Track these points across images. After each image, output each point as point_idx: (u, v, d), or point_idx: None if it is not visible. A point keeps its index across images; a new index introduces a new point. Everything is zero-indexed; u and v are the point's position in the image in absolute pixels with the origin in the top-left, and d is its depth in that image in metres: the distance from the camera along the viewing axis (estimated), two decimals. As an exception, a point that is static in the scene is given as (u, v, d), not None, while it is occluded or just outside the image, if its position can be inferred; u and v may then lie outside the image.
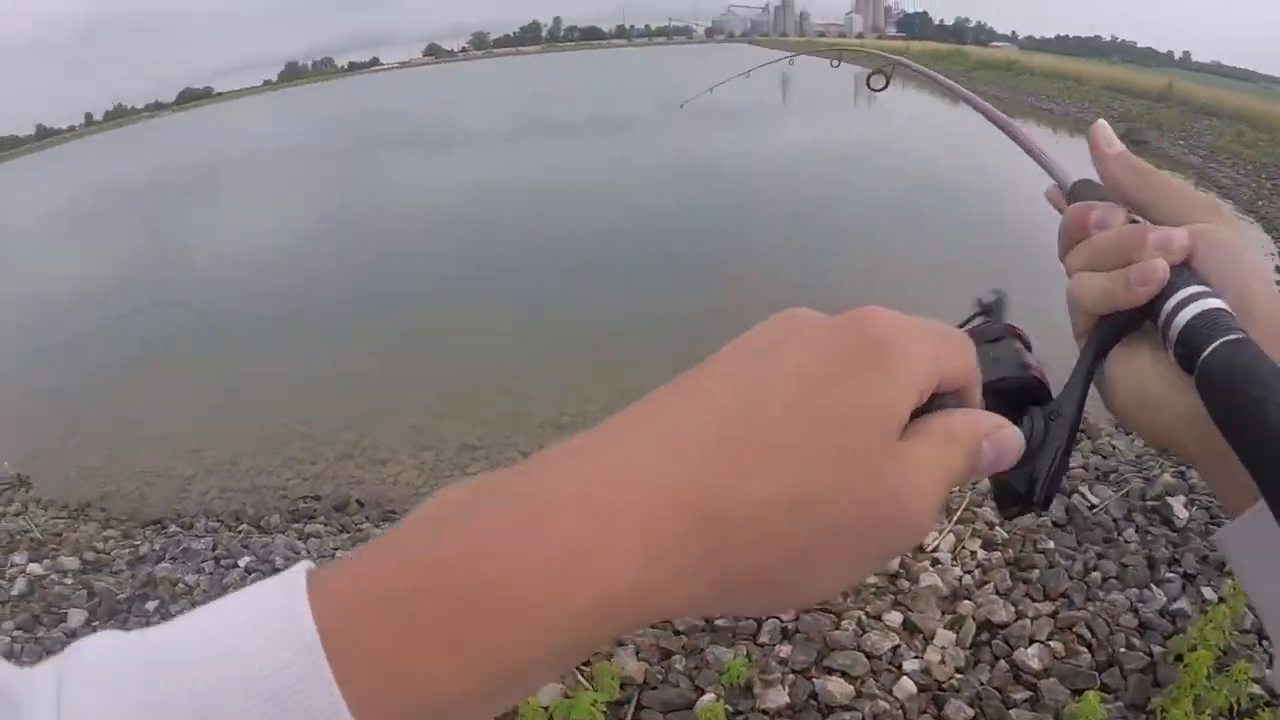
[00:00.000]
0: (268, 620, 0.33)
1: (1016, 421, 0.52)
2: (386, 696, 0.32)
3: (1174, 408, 0.57)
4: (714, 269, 10.83)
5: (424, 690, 0.33)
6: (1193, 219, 0.60)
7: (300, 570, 0.35)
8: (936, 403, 0.45)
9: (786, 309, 0.44)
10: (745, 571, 0.37)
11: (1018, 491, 0.57)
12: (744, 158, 21.54)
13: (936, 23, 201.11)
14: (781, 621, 3.83)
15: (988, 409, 0.49)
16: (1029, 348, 0.62)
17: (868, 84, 1.30)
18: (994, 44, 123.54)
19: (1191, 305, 0.55)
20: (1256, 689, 3.48)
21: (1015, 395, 0.59)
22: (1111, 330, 0.61)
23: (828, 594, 0.41)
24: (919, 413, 0.43)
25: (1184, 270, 0.58)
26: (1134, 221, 0.62)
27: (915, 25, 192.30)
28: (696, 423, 0.39)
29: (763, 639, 3.78)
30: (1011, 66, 43.30)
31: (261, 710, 0.31)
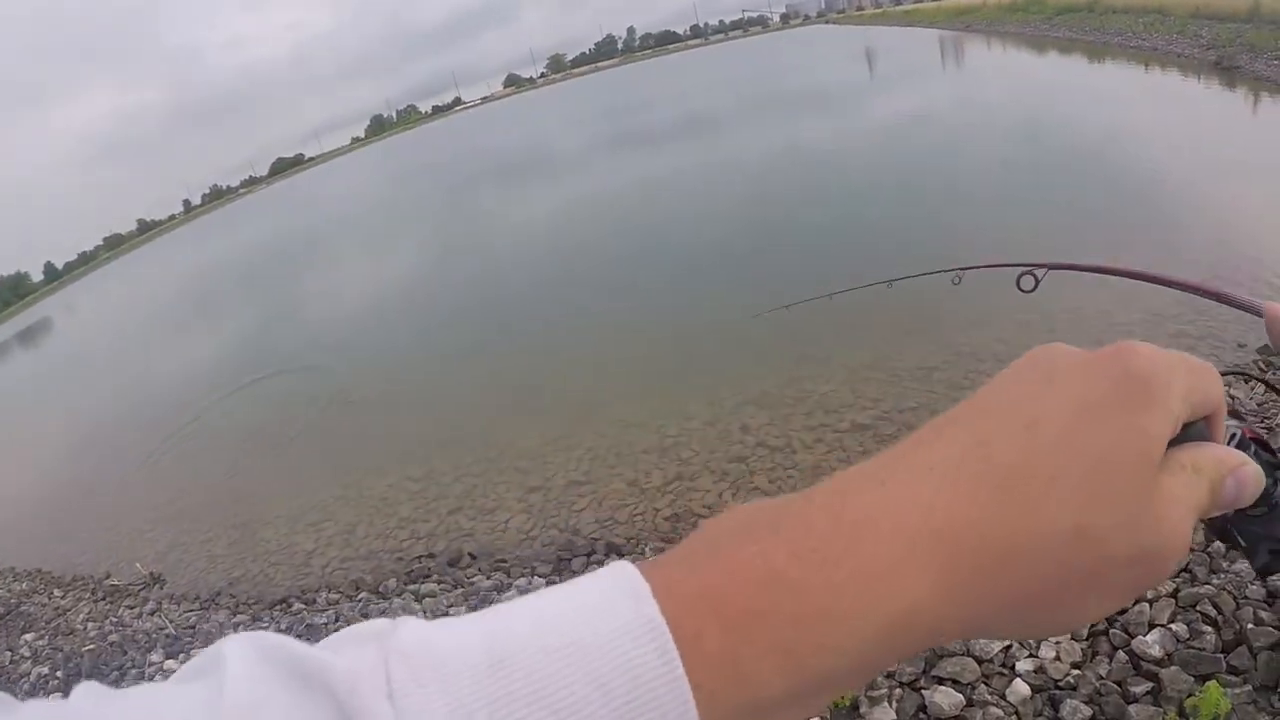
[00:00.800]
0: (622, 624, 0.37)
1: (1275, 479, 0.56)
2: (727, 697, 0.37)
3: None
4: (810, 266, 10.68)
5: (758, 690, 0.37)
6: None
7: (635, 573, 0.40)
8: (1192, 433, 0.47)
9: (1046, 345, 0.48)
10: (1025, 597, 0.42)
11: (1274, 543, 0.58)
12: (838, 143, 21.20)
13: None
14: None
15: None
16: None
17: (1018, 286, 1.27)
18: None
19: None
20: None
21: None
22: None
23: (1095, 618, 0.44)
24: (1175, 443, 0.45)
25: None
26: None
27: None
28: (976, 458, 0.42)
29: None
30: (1094, 7, 41.62)
31: (616, 710, 0.35)
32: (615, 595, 0.38)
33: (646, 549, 5.33)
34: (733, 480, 6.10)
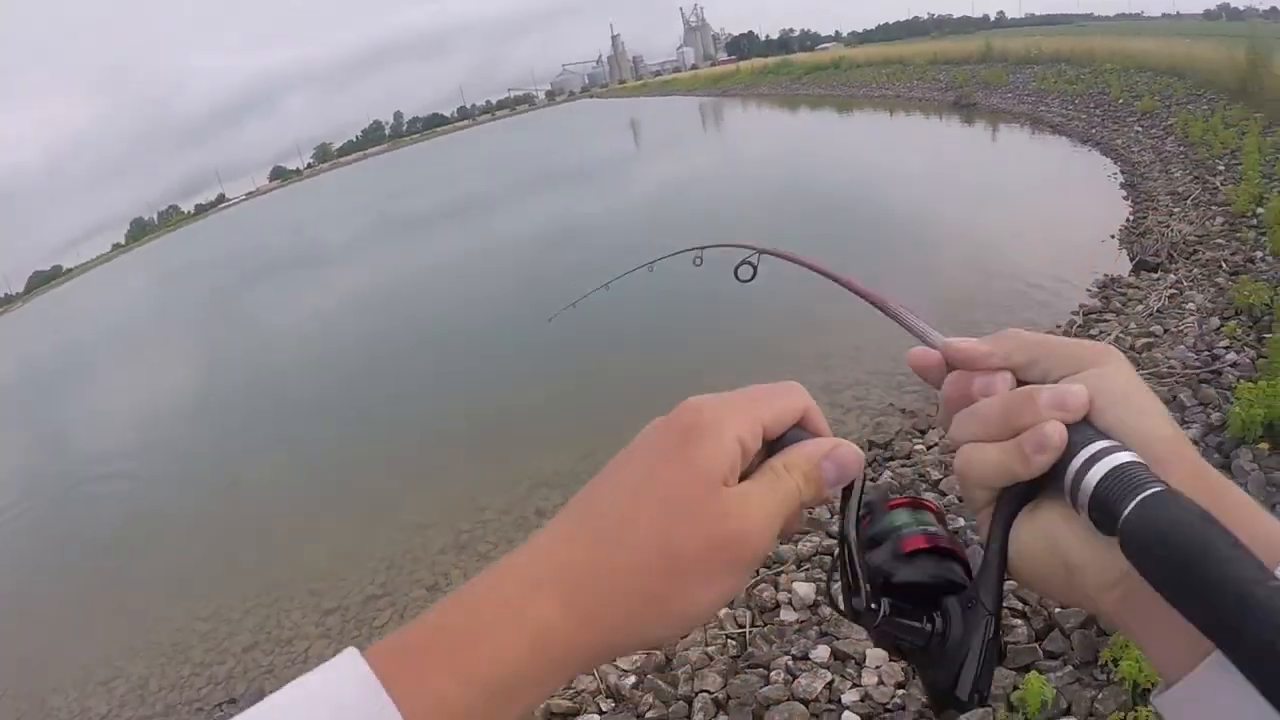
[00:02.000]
0: (340, 675, 0.47)
1: (931, 617, 0.59)
2: (424, 706, 0.47)
3: (1092, 570, 0.53)
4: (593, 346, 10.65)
5: (448, 701, 0.47)
6: (1081, 367, 0.58)
7: (352, 649, 0.49)
8: (789, 438, 0.58)
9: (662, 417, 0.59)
10: (638, 606, 0.52)
11: (948, 691, 0.57)
12: (606, 212, 21.69)
13: (763, 39, 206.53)
14: (711, 693, 3.65)
15: (903, 604, 0.59)
16: (933, 521, 0.63)
17: (735, 276, 1.28)
18: (820, 47, 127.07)
19: (1099, 464, 0.51)
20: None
21: (919, 588, 0.60)
22: (1014, 502, 0.57)
23: (712, 604, 0.54)
24: (774, 451, 0.58)
25: (1082, 427, 0.54)
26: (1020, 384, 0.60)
27: (744, 46, 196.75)
28: (583, 515, 0.55)
29: (696, 718, 3.58)
30: (839, 64, 44.62)
31: None
32: (340, 663, 0.48)
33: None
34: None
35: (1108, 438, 0.53)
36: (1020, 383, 0.59)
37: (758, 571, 4.35)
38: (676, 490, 0.54)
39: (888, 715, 3.40)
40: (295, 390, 12.84)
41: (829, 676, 3.58)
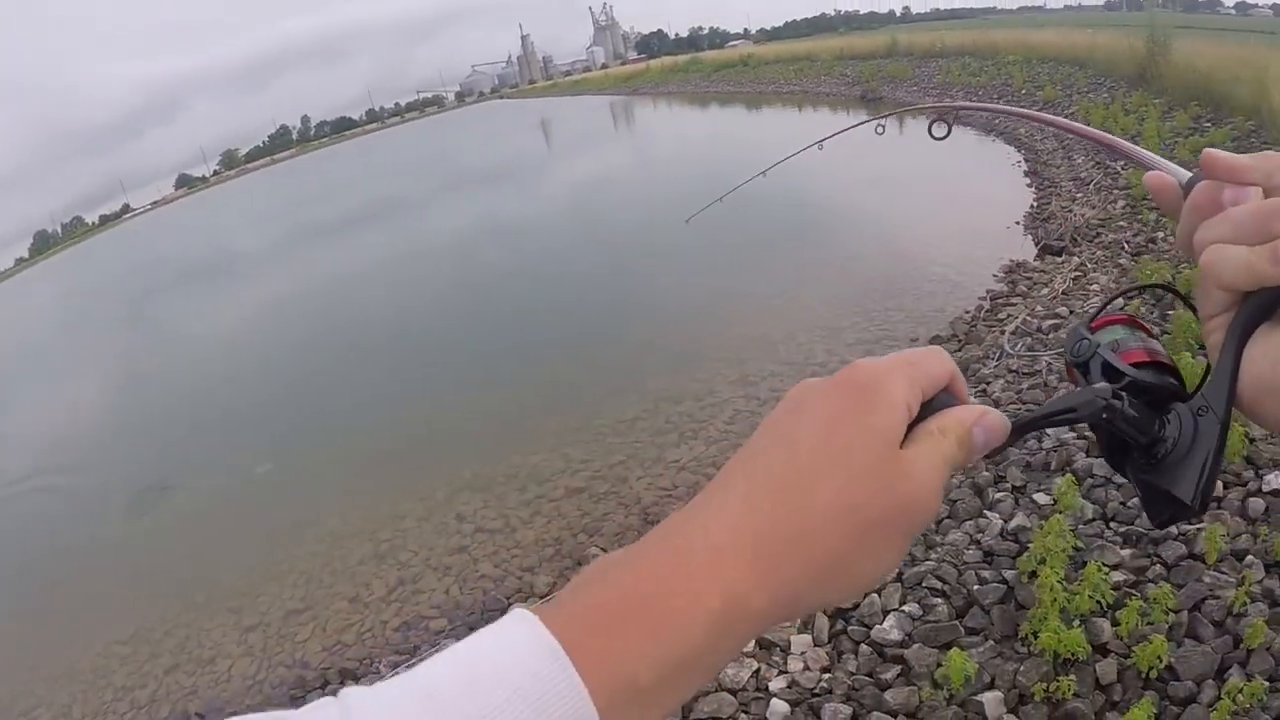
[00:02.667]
0: (519, 643, 0.46)
1: (1162, 421, 0.58)
2: (606, 683, 0.45)
3: None
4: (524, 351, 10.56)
5: (629, 677, 0.46)
6: None
7: (526, 611, 0.49)
8: (938, 403, 0.57)
9: (800, 383, 0.59)
10: (823, 566, 0.51)
11: (1172, 496, 0.56)
12: (528, 210, 21.58)
13: (673, 37, 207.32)
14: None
15: (1132, 414, 0.58)
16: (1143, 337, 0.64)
17: (930, 133, 1.36)
18: (729, 44, 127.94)
19: None
20: (1119, 577, 3.48)
21: (1147, 391, 0.60)
22: (1256, 310, 0.56)
23: (890, 565, 0.54)
24: (925, 415, 0.56)
25: None
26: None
27: (653, 45, 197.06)
28: (756, 480, 0.53)
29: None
30: (748, 61, 45.00)
31: (534, 707, 0.44)
32: (514, 628, 0.47)
33: (380, 665, 5.00)
34: (457, 574, 5.77)
35: None
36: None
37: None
38: (859, 452, 0.53)
39: (815, 700, 3.40)
40: (209, 403, 12.43)
41: (755, 665, 3.57)
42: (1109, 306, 0.68)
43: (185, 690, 5.57)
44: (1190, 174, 0.64)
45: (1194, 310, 0.62)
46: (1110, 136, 0.81)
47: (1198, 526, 3.63)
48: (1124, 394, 0.59)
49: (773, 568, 0.50)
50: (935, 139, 1.36)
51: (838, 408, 0.55)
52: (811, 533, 0.51)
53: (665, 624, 0.48)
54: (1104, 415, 0.58)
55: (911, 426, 0.56)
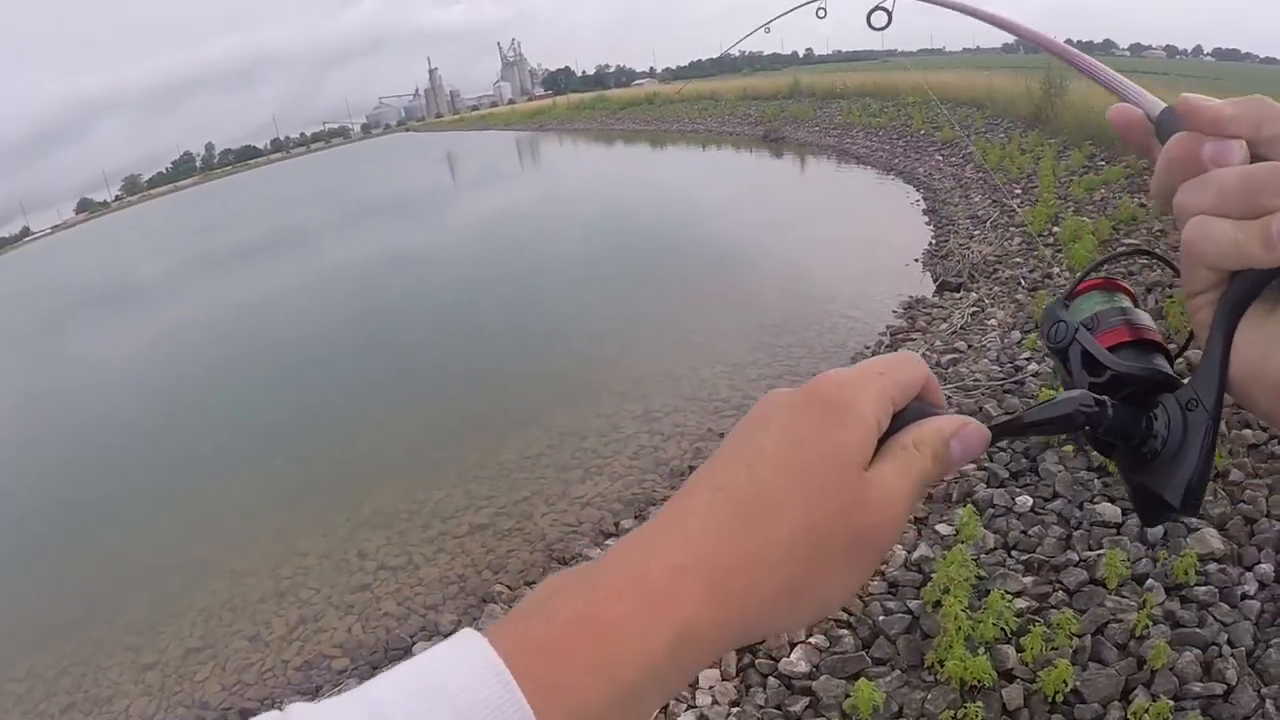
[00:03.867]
0: (466, 667, 0.43)
1: (1149, 418, 0.55)
2: (559, 709, 0.43)
3: None
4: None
5: (583, 703, 0.44)
6: None
7: (475, 633, 0.45)
8: (911, 412, 0.54)
9: (768, 394, 0.55)
10: (783, 591, 0.49)
11: (1161, 498, 0.54)
12: (432, 242, 21.49)
13: (580, 75, 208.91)
14: None
15: (1119, 402, 0.56)
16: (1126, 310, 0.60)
17: (868, 23, 1.33)
18: (635, 83, 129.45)
19: None
20: (1021, 604, 3.52)
21: (1130, 384, 0.57)
22: (1245, 292, 0.51)
23: (847, 594, 0.52)
24: (898, 426, 0.53)
25: None
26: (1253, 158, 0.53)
27: (560, 82, 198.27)
28: (716, 500, 0.50)
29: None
30: (653, 100, 45.50)
31: None
32: (463, 649, 0.44)
33: (283, 703, 4.77)
34: (359, 612, 5.63)
35: None
36: (1257, 158, 0.52)
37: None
38: (822, 473, 0.50)
39: (722, 734, 3.34)
40: (101, 434, 12.05)
41: (663, 702, 3.50)
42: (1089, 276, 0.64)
43: (84, 733, 5.36)
44: (1163, 106, 0.59)
45: (1176, 272, 0.57)
46: (1067, 48, 0.77)
47: (1097, 553, 3.71)
48: (1105, 399, 0.56)
49: (729, 595, 0.48)
50: (875, 29, 1.36)
51: (803, 425, 0.52)
52: (770, 559, 0.49)
53: (617, 651, 0.45)
54: (1085, 426, 0.56)
55: (885, 439, 0.53)
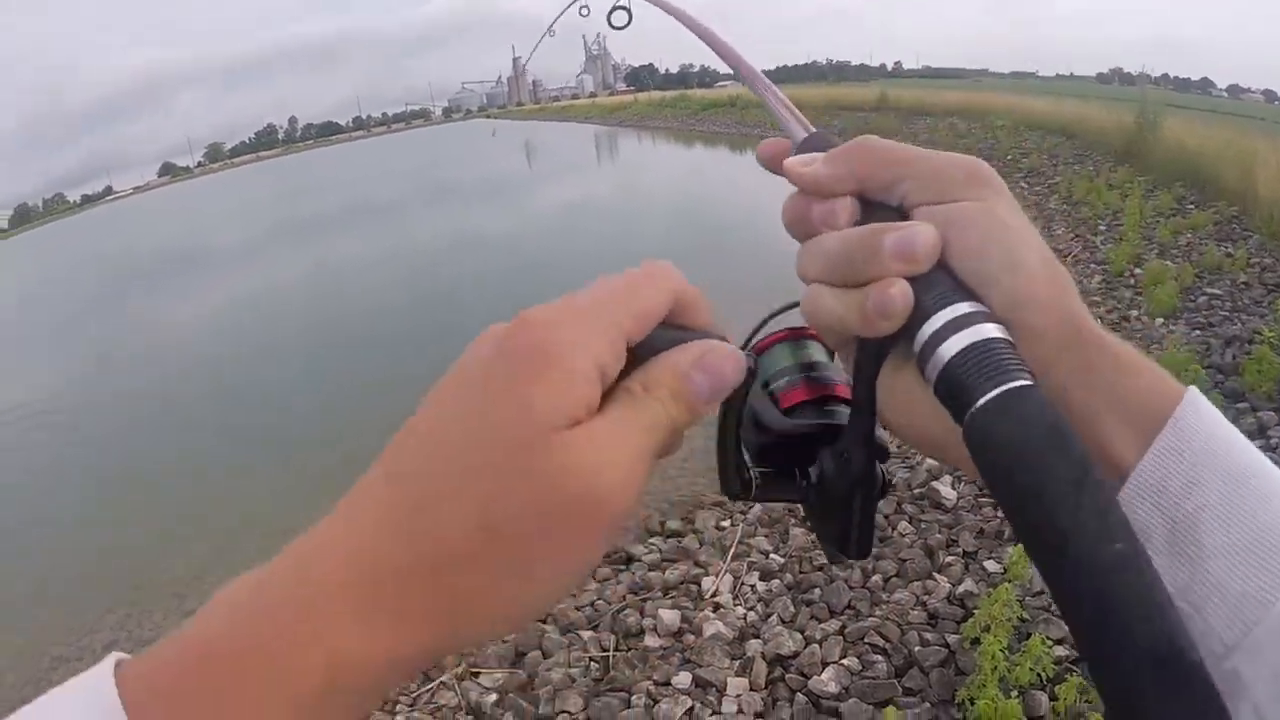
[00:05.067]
0: (76, 706, 0.37)
1: (804, 473, 0.55)
2: None
3: (953, 450, 0.48)
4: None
5: None
6: (946, 195, 0.49)
7: (114, 660, 0.39)
8: (661, 340, 0.44)
9: (476, 339, 0.44)
10: (463, 608, 0.40)
11: (835, 545, 0.55)
12: (508, 225, 21.62)
13: (663, 72, 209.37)
14: (571, 714, 3.56)
15: (784, 454, 0.55)
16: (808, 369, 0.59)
17: (609, 22, 1.30)
18: (718, 84, 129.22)
19: (954, 337, 0.44)
20: (1061, 651, 3.46)
21: (797, 444, 0.55)
22: (871, 358, 0.50)
23: (550, 596, 0.42)
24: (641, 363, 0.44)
25: (938, 278, 0.47)
26: (870, 207, 0.52)
27: (643, 78, 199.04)
28: (382, 491, 0.41)
29: (551, 738, 3.47)
30: (735, 102, 45.26)
31: None
32: (84, 682, 0.38)
33: None
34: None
35: (968, 294, 0.46)
36: (871, 205, 0.51)
37: (624, 597, 4.29)
38: (505, 444, 0.40)
39: (747, 747, 3.34)
40: (170, 389, 12.38)
41: (690, 703, 3.52)
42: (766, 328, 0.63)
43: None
44: (805, 135, 0.59)
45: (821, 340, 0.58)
46: (750, 68, 0.74)
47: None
48: (757, 472, 0.55)
49: (387, 612, 0.39)
50: (615, 28, 1.35)
51: (492, 382, 0.41)
52: (442, 564, 0.39)
53: (251, 692, 0.37)
54: (739, 498, 0.56)
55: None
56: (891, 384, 0.51)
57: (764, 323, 0.63)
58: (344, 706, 0.39)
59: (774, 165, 0.58)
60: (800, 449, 0.55)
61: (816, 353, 0.60)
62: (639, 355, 0.44)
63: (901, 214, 0.50)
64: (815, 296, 0.51)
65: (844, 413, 0.55)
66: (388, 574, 0.39)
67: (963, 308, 0.45)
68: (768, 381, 0.59)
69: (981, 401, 0.41)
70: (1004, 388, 0.41)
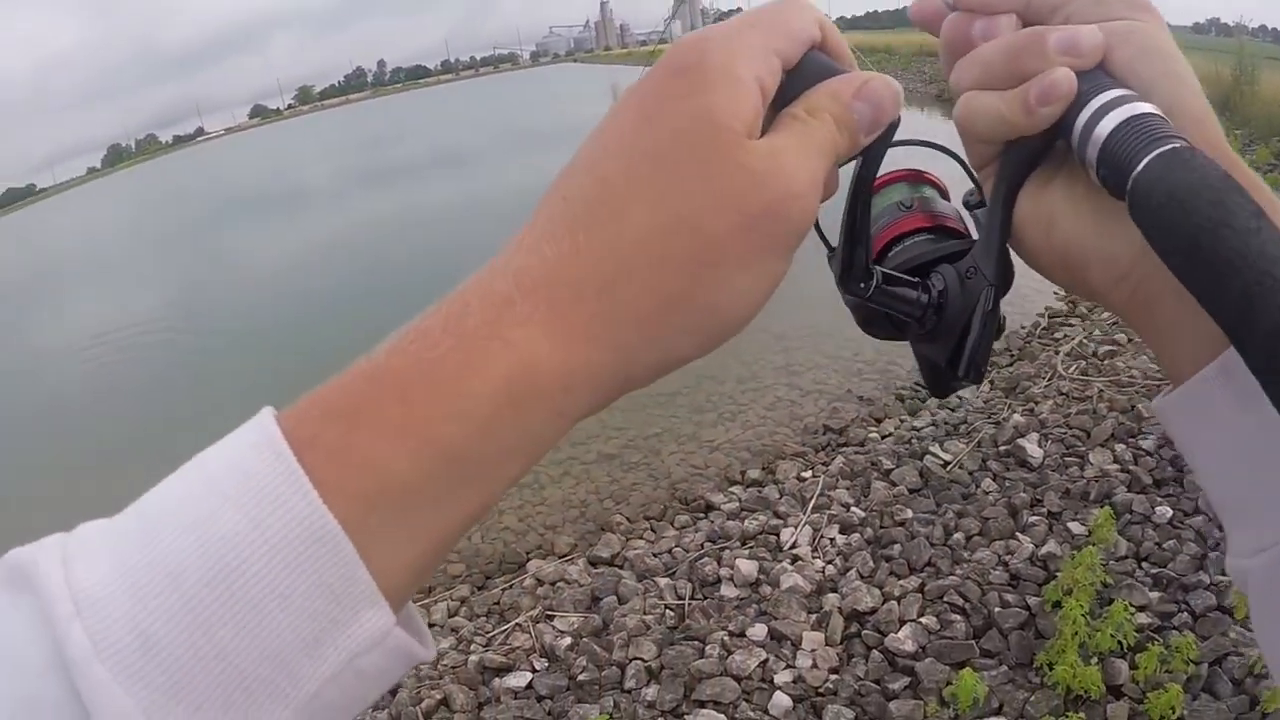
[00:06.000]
0: (243, 445, 0.37)
1: (925, 286, 0.54)
2: (349, 483, 0.36)
3: (1096, 265, 0.48)
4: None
5: (382, 473, 0.36)
6: (1109, 15, 0.48)
7: (267, 410, 0.39)
8: (809, 70, 0.45)
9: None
10: (654, 308, 0.40)
11: (944, 368, 0.54)
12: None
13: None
14: (644, 661, 3.59)
15: (885, 299, 0.53)
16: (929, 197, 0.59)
17: None
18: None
19: (1113, 113, 0.44)
20: (1144, 619, 3.40)
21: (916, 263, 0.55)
22: (1021, 160, 0.50)
23: (753, 299, 0.42)
24: (795, 93, 0.44)
25: (1098, 74, 0.46)
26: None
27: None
28: (557, 208, 0.41)
29: (628, 684, 3.51)
30: (825, 48, 44.44)
31: (249, 514, 0.34)
32: (241, 429, 0.38)
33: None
34: (481, 522, 5.80)
35: (1126, 86, 0.45)
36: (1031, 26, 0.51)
37: (701, 545, 4.30)
38: (690, 149, 0.40)
39: (819, 699, 3.35)
40: (261, 326, 12.73)
41: (764, 655, 3.53)
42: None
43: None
44: None
45: (960, 161, 0.57)
46: None
47: (1229, 579, 3.55)
48: (872, 284, 0.54)
49: (577, 320, 0.39)
50: None
51: (655, 99, 0.42)
52: (627, 269, 0.39)
53: (429, 406, 0.37)
54: (854, 294, 0.55)
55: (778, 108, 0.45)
56: (1033, 203, 0.51)
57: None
58: (530, 412, 0.39)
59: (925, 20, 0.57)
60: (919, 269, 0.55)
61: (930, 192, 0.60)
62: (790, 83, 0.45)
63: None
64: (971, 98, 0.50)
65: (958, 245, 0.56)
66: (570, 278, 0.39)
67: (1122, 90, 0.45)
68: (892, 214, 0.59)
69: (1147, 159, 0.40)
70: (1170, 146, 0.40)
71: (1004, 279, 0.52)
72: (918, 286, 0.54)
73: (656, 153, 0.40)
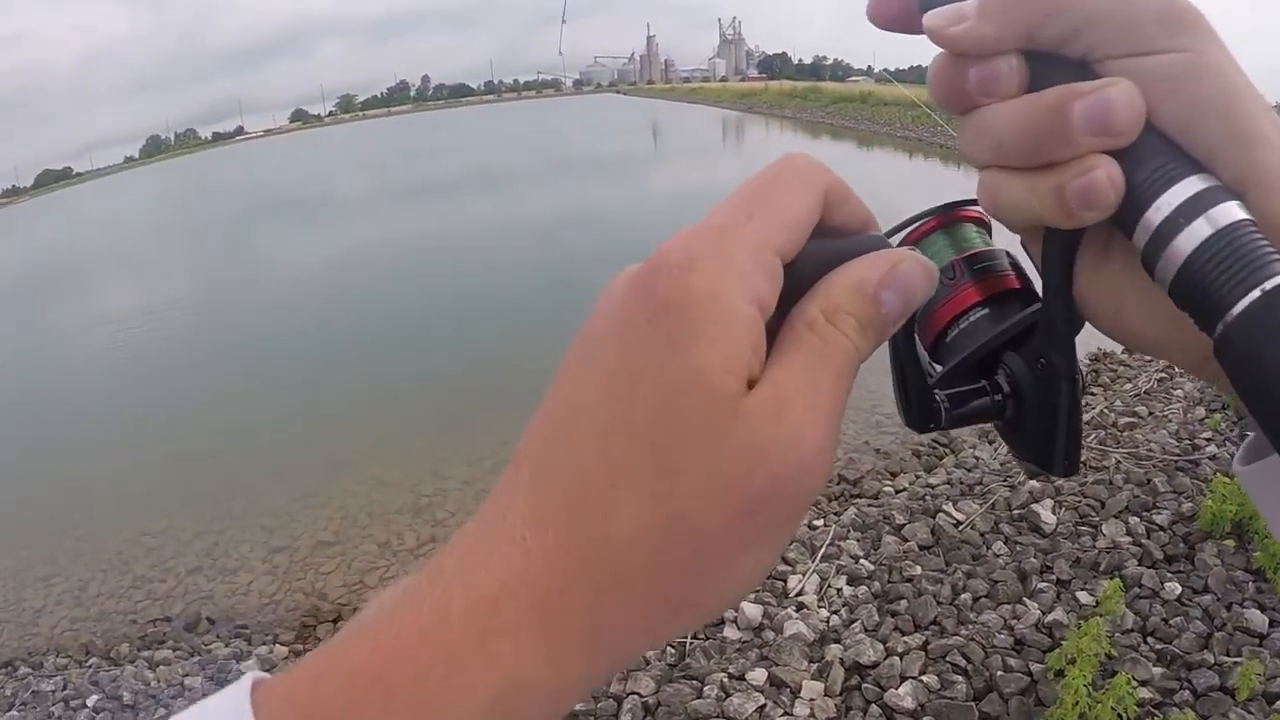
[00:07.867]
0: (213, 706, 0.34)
1: (993, 385, 0.48)
2: None
3: (1180, 342, 0.41)
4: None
5: None
6: (1143, 45, 0.37)
7: (252, 679, 0.35)
8: (816, 256, 0.38)
9: (609, 284, 0.38)
10: (645, 612, 0.35)
11: (1038, 460, 0.47)
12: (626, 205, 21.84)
13: (795, 62, 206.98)
14: (641, 696, 3.59)
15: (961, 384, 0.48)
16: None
17: None
18: (850, 79, 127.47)
19: (1192, 224, 0.35)
20: (1145, 694, 3.38)
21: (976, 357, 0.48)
22: (1069, 243, 0.42)
23: (752, 583, 0.37)
24: (801, 280, 0.37)
25: (1150, 140, 0.37)
26: (1042, 64, 0.40)
27: (775, 66, 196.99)
28: (545, 484, 0.36)
29: (624, 718, 3.51)
30: (866, 99, 44.58)
31: None
32: (221, 706, 0.34)
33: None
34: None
35: (1191, 162, 0.37)
36: (1043, 61, 0.40)
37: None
38: (680, 426, 0.34)
39: (814, 750, 3.33)
40: (281, 328, 12.95)
41: (762, 700, 3.52)
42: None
43: (203, 594, 5.75)
44: None
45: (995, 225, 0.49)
46: None
47: (1234, 660, 3.55)
48: (941, 418, 0.49)
49: (570, 638, 0.35)
50: None
51: (638, 350, 0.35)
52: (619, 572, 0.34)
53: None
54: (928, 430, 0.49)
55: (786, 305, 0.38)
56: (1095, 273, 0.43)
57: (923, 214, 0.53)
58: (524, 717, 0.35)
59: (894, 23, 0.46)
60: (982, 361, 0.48)
61: (974, 237, 0.52)
62: (793, 274, 0.37)
63: (1083, 70, 0.39)
64: (994, 186, 0.42)
65: (1019, 309, 0.48)
66: (560, 590, 0.34)
67: (1194, 184, 0.36)
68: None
69: (1245, 304, 0.33)
70: (1267, 286, 0.33)
71: (1076, 369, 0.46)
72: (985, 391, 0.48)
73: (641, 431, 0.34)
